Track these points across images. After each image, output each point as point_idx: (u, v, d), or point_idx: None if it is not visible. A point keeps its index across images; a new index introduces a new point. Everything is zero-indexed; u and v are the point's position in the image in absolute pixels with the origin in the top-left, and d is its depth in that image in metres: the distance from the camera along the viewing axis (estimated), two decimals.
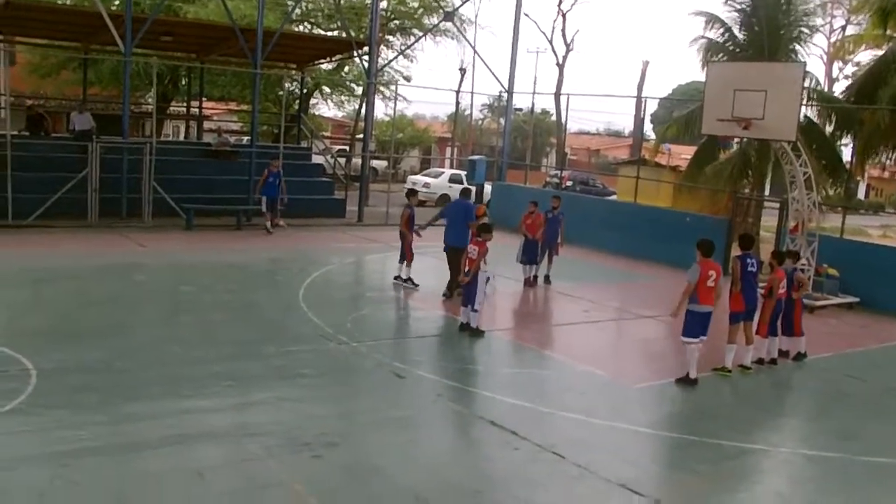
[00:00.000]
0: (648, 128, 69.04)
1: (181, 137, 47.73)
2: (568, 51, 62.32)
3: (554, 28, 78.41)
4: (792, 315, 13.87)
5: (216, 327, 13.31)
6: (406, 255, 17.47)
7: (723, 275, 12.54)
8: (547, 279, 19.20)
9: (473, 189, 18.68)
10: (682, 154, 40.79)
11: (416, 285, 17.27)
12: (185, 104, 39.24)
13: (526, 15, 59.12)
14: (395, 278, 17.65)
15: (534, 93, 55.77)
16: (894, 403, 12.47)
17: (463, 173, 39.46)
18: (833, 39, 50.80)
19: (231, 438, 8.78)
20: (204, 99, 37.06)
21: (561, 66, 62.06)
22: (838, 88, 45.86)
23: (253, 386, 10.52)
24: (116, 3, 33.73)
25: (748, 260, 12.98)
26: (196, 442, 8.61)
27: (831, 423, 11.34)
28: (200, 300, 15.21)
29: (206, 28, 29.29)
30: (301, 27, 39.70)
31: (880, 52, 25.65)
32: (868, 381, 13.34)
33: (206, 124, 40.23)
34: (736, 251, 14.21)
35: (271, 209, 23.97)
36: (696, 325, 12.06)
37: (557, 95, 56.78)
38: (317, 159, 33.81)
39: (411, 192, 18.70)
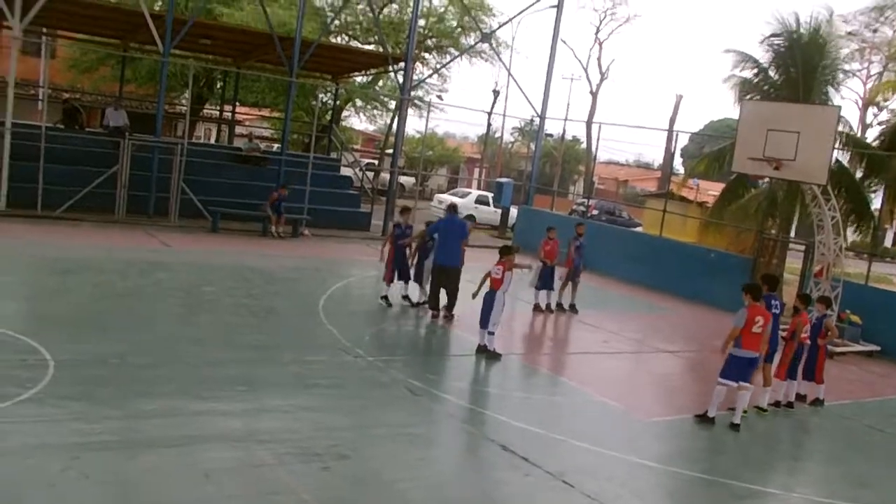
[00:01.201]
0: (678, 161, 68.97)
1: (212, 140, 48.10)
2: (602, 79, 62.62)
3: (590, 56, 78.75)
4: (815, 361, 13.75)
5: (235, 330, 13.35)
6: (387, 273, 16.93)
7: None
8: (573, 308, 19.12)
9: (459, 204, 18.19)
10: (710, 190, 40.71)
11: (390, 305, 16.76)
12: (218, 108, 39.52)
13: (563, 41, 59.21)
14: (403, 298, 17.08)
15: (566, 119, 56.03)
16: None
17: (490, 195, 39.50)
18: (869, 85, 50.58)
19: (242, 443, 8.77)
20: (237, 104, 37.31)
21: (594, 95, 62.28)
22: (871, 134, 45.60)
23: (268, 392, 10.52)
24: (159, 3, 34.06)
25: (772, 301, 12.84)
26: (207, 444, 8.61)
27: (846, 470, 11.22)
28: (221, 302, 15.28)
29: (244, 34, 29.49)
30: (339, 38, 39.95)
31: None
32: (886, 431, 13.20)
33: (238, 129, 40.52)
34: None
35: (278, 215, 24.30)
36: (734, 368, 11.90)
37: (589, 123, 56.93)
38: (345, 171, 33.95)
39: (404, 210, 17.96)
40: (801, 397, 13.84)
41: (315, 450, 8.80)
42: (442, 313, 15.99)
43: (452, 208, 17.14)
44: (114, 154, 23.03)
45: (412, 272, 17.00)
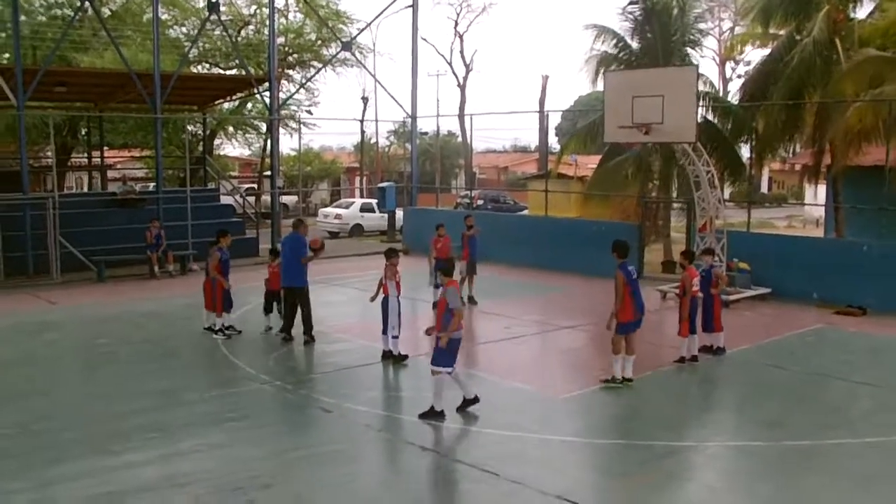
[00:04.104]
0: (554, 141, 70.03)
1: (85, 188, 46.82)
2: (468, 71, 63.05)
3: (452, 50, 79.09)
4: (711, 311, 14.17)
5: (137, 379, 13.02)
6: (219, 303, 15.79)
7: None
8: (472, 300, 19.21)
9: (305, 221, 16.58)
10: (589, 164, 41.43)
11: (238, 331, 15.99)
12: (86, 155, 38.47)
13: (423, 39, 59.64)
14: (215, 332, 15.82)
15: (438, 115, 56.05)
16: (813, 388, 12.79)
17: (374, 201, 39.49)
18: (723, 41, 52.33)
19: (161, 491, 8.58)
20: (106, 148, 36.39)
21: (462, 87, 62.71)
22: (733, 87, 47.21)
23: (179, 435, 10.31)
24: (7, 55, 32.95)
25: (629, 268, 12.49)
26: (125, 498, 8.38)
27: (756, 412, 11.58)
28: (118, 353, 14.87)
29: (100, 76, 28.83)
30: (199, 68, 39.35)
31: (767, 51, 26.51)
32: (787, 369, 13.68)
33: (111, 173, 39.61)
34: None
35: (160, 252, 23.88)
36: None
37: (461, 116, 57.31)
38: (226, 199, 33.42)
39: (221, 233, 16.33)
40: (706, 348, 14.24)
41: (236, 484, 8.67)
42: (304, 338, 15.24)
43: (295, 224, 15.99)
44: None
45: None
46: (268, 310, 16.18)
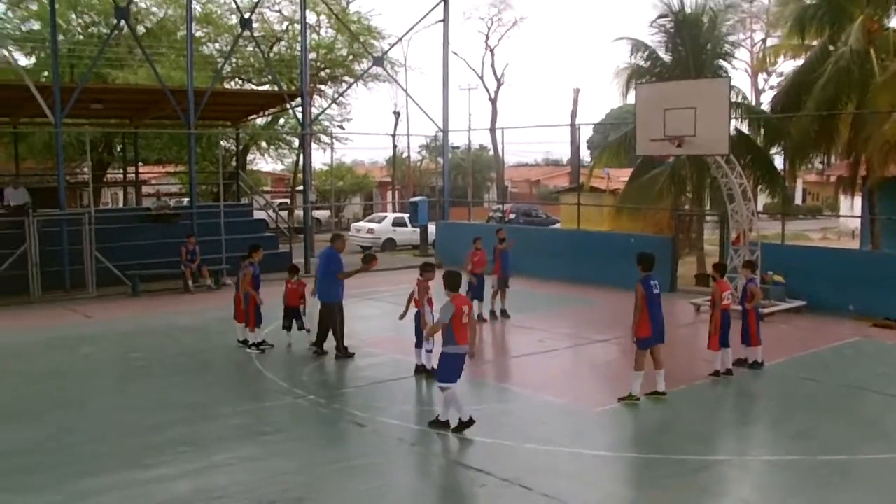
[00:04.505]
0: (586, 154, 69.88)
1: (120, 204, 47.31)
2: (499, 85, 63.18)
3: (483, 64, 79.23)
4: (747, 326, 14.06)
5: (169, 392, 13.12)
6: (251, 318, 15.85)
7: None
8: (504, 313, 19.20)
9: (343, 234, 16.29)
10: (621, 177, 41.28)
11: (271, 345, 16.04)
12: (121, 170, 38.91)
13: (455, 53, 59.85)
14: (249, 346, 15.92)
15: (469, 129, 56.26)
16: (847, 401, 12.65)
17: (406, 216, 39.57)
18: (755, 52, 51.99)
19: None
20: (140, 163, 36.78)
21: (493, 101, 62.83)
22: (766, 99, 46.90)
23: (212, 448, 10.36)
24: (46, 73, 33.44)
25: (652, 282, 12.31)
26: None
27: (790, 426, 11.46)
28: (151, 366, 14.98)
29: (135, 92, 29.16)
30: (232, 84, 39.71)
31: (800, 62, 26.33)
32: (821, 382, 13.55)
33: (145, 189, 39.91)
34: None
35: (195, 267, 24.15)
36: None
37: (493, 130, 57.42)
38: (259, 214, 33.63)
39: (253, 248, 16.53)
40: (742, 361, 14.15)
41: (269, 498, 8.70)
42: (335, 353, 15.23)
43: (332, 239, 15.96)
44: (19, 234, 22.46)
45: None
46: (287, 327, 16.24)
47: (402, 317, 14.11)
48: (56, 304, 21.72)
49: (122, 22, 25.77)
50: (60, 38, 30.30)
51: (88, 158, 28.91)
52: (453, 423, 10.77)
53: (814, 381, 13.64)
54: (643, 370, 12.25)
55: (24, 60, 35.94)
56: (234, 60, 37.80)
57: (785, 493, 9.04)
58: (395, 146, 53.20)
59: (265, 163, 50.64)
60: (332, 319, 15.16)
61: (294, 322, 16.15)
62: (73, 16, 35.80)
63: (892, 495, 8.88)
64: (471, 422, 10.68)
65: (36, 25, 36.16)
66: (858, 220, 30.81)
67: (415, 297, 13.92)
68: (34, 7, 35.13)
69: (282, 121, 42.39)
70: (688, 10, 26.16)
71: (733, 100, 23.26)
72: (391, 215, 42.64)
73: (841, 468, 9.66)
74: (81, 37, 36.11)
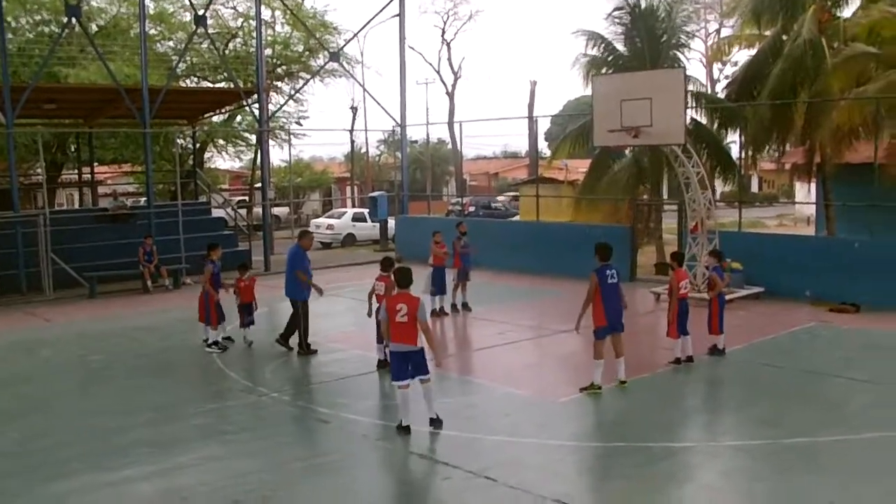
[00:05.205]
0: (543, 145, 70.13)
1: (76, 205, 46.73)
2: (456, 79, 63.32)
3: (440, 58, 79.21)
4: (710, 313, 14.22)
5: (132, 394, 12.99)
6: (212, 315, 15.74)
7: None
8: (466, 306, 19.25)
9: (310, 230, 15.85)
10: (580, 168, 41.49)
11: (233, 340, 16.13)
12: (76, 171, 38.42)
13: (411, 48, 59.73)
14: (209, 345, 15.76)
15: (427, 123, 56.32)
16: (807, 385, 12.82)
17: (365, 211, 39.52)
18: (710, 43, 52.50)
19: None
20: (96, 163, 36.31)
21: (451, 95, 62.91)
22: (720, 88, 47.31)
23: (176, 449, 10.29)
24: None
25: (607, 272, 12.36)
26: None
27: (753, 411, 11.58)
28: (113, 368, 14.84)
29: (89, 92, 28.77)
30: (188, 82, 39.32)
31: (754, 52, 26.61)
32: (781, 367, 13.72)
33: (102, 189, 39.48)
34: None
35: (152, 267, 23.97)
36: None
37: (451, 123, 57.40)
38: (217, 213, 33.39)
39: (211, 246, 16.24)
40: (712, 349, 14.33)
41: (234, 497, 8.65)
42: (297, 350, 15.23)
43: (300, 235, 16.12)
44: None
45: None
46: (245, 324, 16.19)
47: (369, 314, 14.04)
48: (12, 307, 21.43)
49: (74, 20, 25.45)
50: (9, 36, 29.80)
51: (42, 159, 28.52)
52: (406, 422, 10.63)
53: (774, 366, 13.81)
54: (602, 359, 12.34)
55: None
56: (188, 58, 37.42)
57: (749, 477, 9.15)
58: (353, 141, 53.02)
59: (223, 160, 50.24)
60: (298, 315, 15.16)
61: (245, 318, 16.17)
62: (23, 14, 35.18)
63: (854, 476, 9.00)
64: (407, 429, 10.52)
65: None
66: (814, 207, 31.20)
67: (376, 293, 13.89)
68: None
69: (238, 118, 42.09)
70: (643, 3, 26.34)
71: (690, 89, 23.47)
72: (351, 211, 42.58)
73: (804, 452, 9.79)
74: (31, 35, 35.54)
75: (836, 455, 9.71)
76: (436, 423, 10.63)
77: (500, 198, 54.18)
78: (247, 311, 16.17)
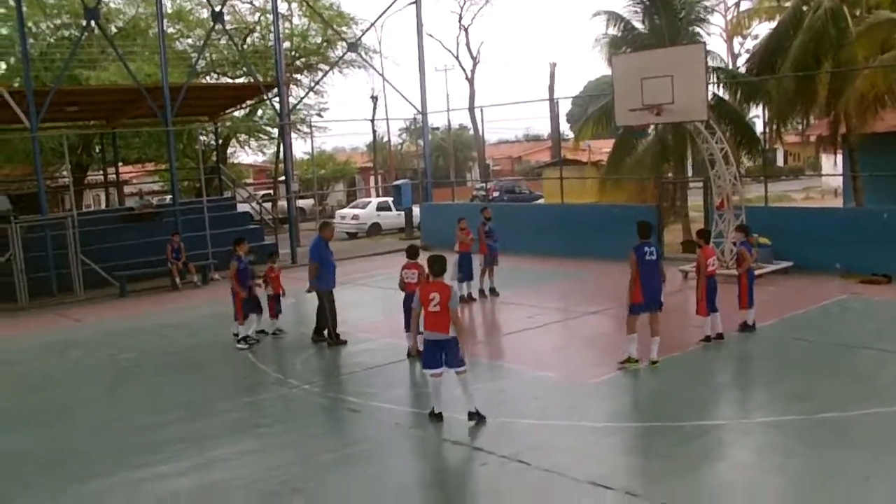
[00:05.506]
0: (566, 127, 69.82)
1: (103, 206, 47.10)
2: (475, 64, 63.10)
3: (458, 44, 78.98)
4: (739, 288, 14.14)
5: (163, 391, 13.09)
6: (238, 311, 15.76)
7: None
8: (493, 291, 19.21)
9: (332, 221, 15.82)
10: (603, 149, 41.35)
11: (256, 340, 15.85)
12: (101, 172, 38.69)
13: (429, 34, 59.56)
14: (238, 340, 15.67)
15: (448, 110, 56.15)
16: (839, 359, 12.70)
17: (390, 199, 39.54)
18: (729, 17, 51.93)
19: (194, 500, 8.64)
20: (120, 163, 36.58)
21: (471, 80, 62.71)
22: (741, 63, 46.89)
23: (210, 444, 10.35)
24: (18, 80, 33.16)
25: (646, 249, 12.46)
26: None
27: (784, 386, 11.50)
28: (144, 366, 14.94)
29: (111, 92, 28.94)
30: (207, 78, 39.45)
31: (774, 24, 26.34)
32: (812, 341, 13.62)
33: (127, 188, 39.75)
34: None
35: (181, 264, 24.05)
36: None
37: (471, 109, 57.28)
38: (242, 207, 33.52)
39: (237, 241, 16.11)
40: (745, 325, 14.25)
41: (269, 490, 8.71)
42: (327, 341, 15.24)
43: (321, 227, 15.93)
44: (2, 242, 22.32)
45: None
46: (272, 314, 16.35)
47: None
48: (44, 309, 21.64)
49: (93, 23, 25.58)
50: (31, 41, 30.01)
51: (67, 162, 28.72)
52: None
53: (805, 340, 13.71)
54: (636, 332, 12.41)
55: None
56: (208, 55, 37.52)
57: (782, 453, 9.08)
58: (374, 131, 53.02)
59: (246, 155, 50.40)
60: (323, 306, 15.20)
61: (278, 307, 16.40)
62: (43, 19, 35.41)
63: (886, 449, 8.94)
64: (439, 416, 10.48)
65: (3, 31, 35.77)
66: (840, 179, 30.91)
67: (407, 281, 13.91)
68: (2, 10, 34.72)
69: (260, 112, 42.18)
70: None
71: (711, 64, 23.27)
72: (375, 200, 42.59)
73: (836, 426, 9.71)
74: (52, 40, 35.76)
75: (868, 429, 9.61)
76: (475, 416, 10.32)
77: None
78: (276, 302, 16.31)
